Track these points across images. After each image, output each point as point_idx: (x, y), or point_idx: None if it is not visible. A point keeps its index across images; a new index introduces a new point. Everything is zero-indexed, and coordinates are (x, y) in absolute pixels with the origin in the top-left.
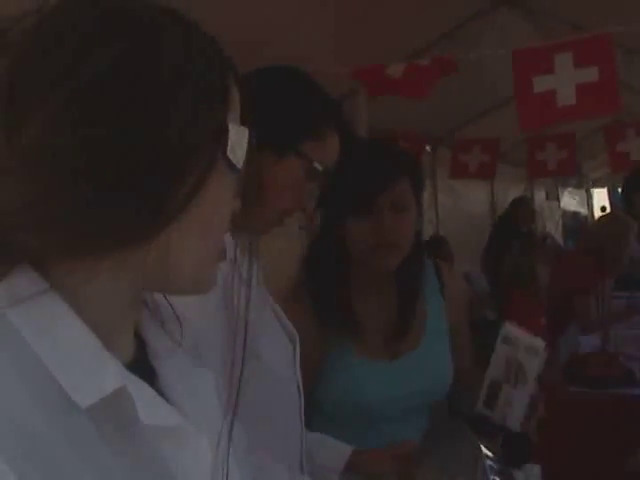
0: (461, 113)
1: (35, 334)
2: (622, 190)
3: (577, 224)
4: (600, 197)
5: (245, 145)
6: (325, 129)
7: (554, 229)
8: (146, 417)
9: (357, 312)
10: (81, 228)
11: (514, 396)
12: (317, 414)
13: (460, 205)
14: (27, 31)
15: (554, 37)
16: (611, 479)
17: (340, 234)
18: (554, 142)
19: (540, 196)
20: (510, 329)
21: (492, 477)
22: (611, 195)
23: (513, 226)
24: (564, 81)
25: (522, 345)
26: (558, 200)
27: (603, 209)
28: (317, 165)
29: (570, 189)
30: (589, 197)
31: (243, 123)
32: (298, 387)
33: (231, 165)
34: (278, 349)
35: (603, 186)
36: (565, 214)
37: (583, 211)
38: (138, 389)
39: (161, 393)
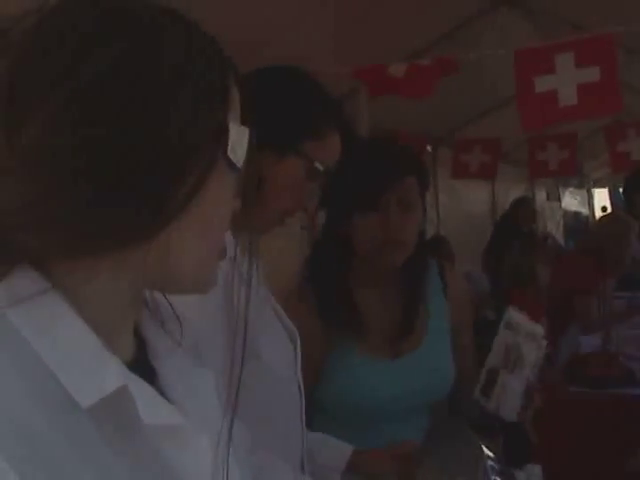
0: (462, 113)
1: (35, 334)
2: (623, 190)
3: (578, 224)
4: (601, 197)
5: (245, 144)
6: (326, 129)
7: (555, 229)
8: (147, 416)
9: (360, 310)
10: (81, 228)
11: (510, 382)
12: (318, 413)
13: (461, 205)
14: (27, 31)
15: (554, 37)
16: (611, 479)
17: (345, 232)
18: (555, 142)
19: (541, 196)
20: (513, 314)
21: (493, 477)
22: (612, 195)
23: (514, 226)
24: (565, 81)
25: (523, 330)
26: (559, 200)
27: (604, 209)
28: (318, 165)
29: (571, 189)
30: (590, 197)
31: (243, 122)
32: (299, 387)
33: (231, 165)
34: (279, 349)
35: (604, 186)
36: (566, 214)
37: (584, 211)
38: (139, 388)
39: (161, 392)
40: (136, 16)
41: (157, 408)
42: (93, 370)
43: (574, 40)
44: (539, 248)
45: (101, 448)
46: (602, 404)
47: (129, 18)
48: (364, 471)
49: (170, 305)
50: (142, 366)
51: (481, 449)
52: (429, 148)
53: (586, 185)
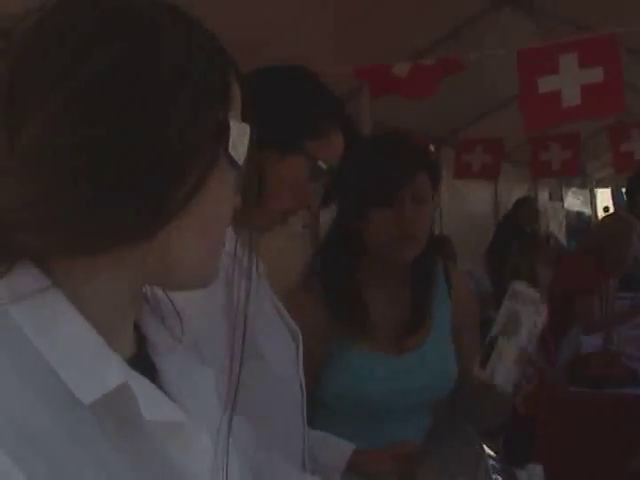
0: (465, 113)
1: (37, 331)
2: (626, 190)
3: (581, 224)
4: (603, 197)
5: (247, 142)
6: (328, 128)
7: (557, 229)
8: (148, 413)
9: (367, 305)
10: (81, 228)
11: (505, 348)
12: (320, 409)
13: (463, 205)
14: (28, 30)
15: (558, 37)
16: (611, 477)
17: (357, 227)
18: (558, 142)
19: (544, 196)
20: (517, 285)
21: (494, 476)
22: (615, 195)
23: (516, 226)
24: (569, 82)
25: (523, 297)
26: (562, 200)
27: (606, 209)
28: (321, 164)
29: (574, 189)
30: (593, 197)
31: (244, 119)
32: (301, 386)
33: (232, 162)
34: (281, 348)
35: (607, 186)
36: (569, 214)
37: (587, 211)
38: (140, 385)
39: (161, 389)
40: (136, 16)
41: (158, 405)
42: (94, 367)
43: (578, 40)
44: (540, 248)
45: (103, 444)
46: (603, 404)
47: (129, 18)
48: (364, 471)
49: (171, 301)
50: (142, 362)
51: (482, 448)
52: (432, 148)
53: (589, 185)
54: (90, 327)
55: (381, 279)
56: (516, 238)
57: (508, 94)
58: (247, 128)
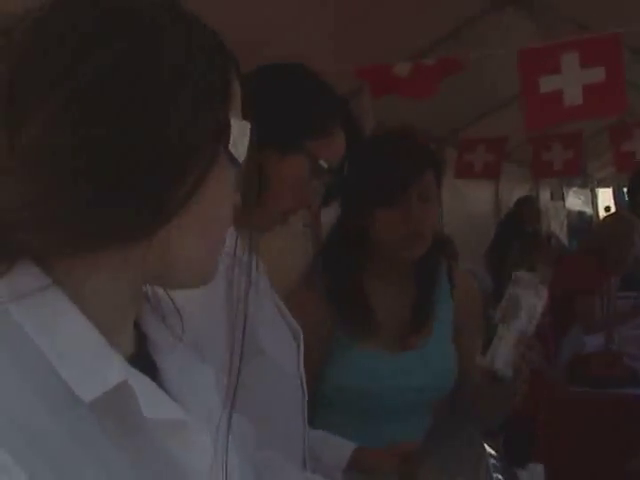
0: (466, 113)
1: (37, 329)
2: (627, 190)
3: (582, 224)
4: (605, 197)
5: (247, 139)
6: (330, 127)
7: (559, 229)
8: (148, 411)
9: (370, 303)
10: (81, 228)
11: (505, 333)
12: (321, 406)
13: (465, 204)
14: (27, 30)
15: (559, 37)
16: (612, 477)
17: (363, 225)
18: (560, 142)
19: (545, 196)
20: (520, 272)
21: (495, 476)
22: (616, 195)
23: (518, 226)
24: (570, 81)
25: (524, 283)
26: (563, 200)
27: (607, 209)
28: (322, 163)
29: (575, 189)
30: (594, 197)
31: (245, 117)
32: (301, 384)
33: (233, 160)
34: (282, 346)
35: (608, 186)
36: (570, 214)
37: (588, 211)
38: (140, 383)
39: (162, 387)
40: (136, 16)
41: (159, 403)
42: (95, 365)
43: (579, 40)
44: (542, 248)
45: (103, 443)
46: (604, 404)
47: (129, 18)
48: (365, 469)
49: (171, 300)
50: (143, 361)
51: (483, 447)
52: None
53: (590, 185)
54: (91, 325)
55: (384, 278)
56: (517, 238)
57: (509, 94)
58: (247, 126)
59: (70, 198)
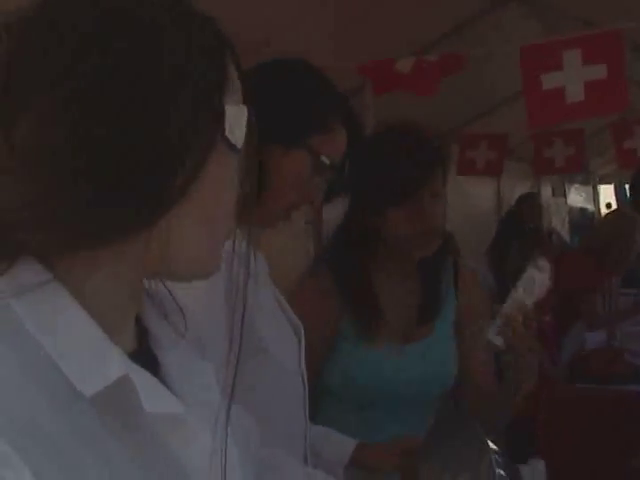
0: (468, 110)
1: (38, 324)
2: (630, 186)
3: (584, 220)
4: (607, 194)
5: (244, 124)
6: (332, 123)
7: (560, 225)
8: (149, 405)
9: (377, 296)
10: (81, 228)
11: (504, 307)
12: (325, 397)
13: (466, 201)
14: (27, 30)
15: (562, 33)
16: (614, 475)
17: (374, 223)
18: (561, 139)
19: (547, 192)
20: (542, 259)
21: (498, 471)
22: (617, 192)
23: (520, 223)
24: (572, 78)
25: (537, 262)
26: (565, 196)
27: (608, 206)
28: (324, 159)
29: (577, 185)
30: (596, 194)
31: (244, 102)
32: (303, 380)
33: (231, 146)
34: (283, 342)
35: (610, 183)
36: (572, 210)
37: (590, 207)
38: (141, 378)
39: (163, 382)
40: (136, 16)
41: (159, 397)
42: (95, 360)
43: (581, 36)
44: (543, 245)
45: (104, 437)
46: (606, 400)
47: (129, 18)
48: (366, 466)
49: (173, 298)
50: (144, 356)
51: (486, 443)
52: None
53: (592, 181)
54: (91, 320)
55: (391, 274)
56: (519, 235)
57: (511, 90)
58: (244, 110)
59: (70, 198)
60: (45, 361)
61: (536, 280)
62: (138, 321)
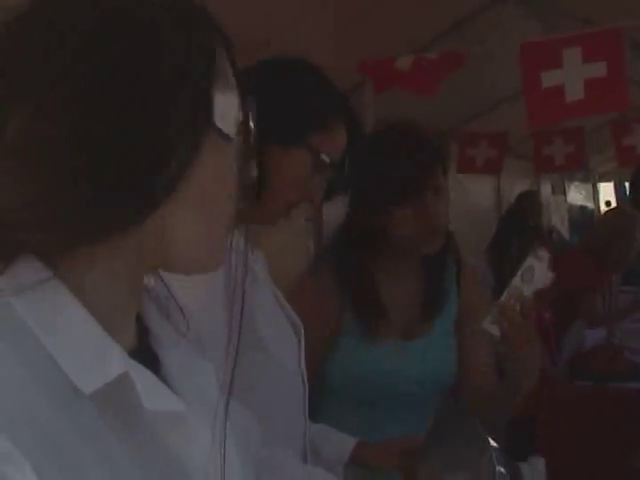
0: (467, 108)
1: (38, 322)
2: (631, 183)
3: (584, 218)
4: (606, 191)
5: (236, 110)
6: (332, 121)
7: (560, 223)
8: (148, 403)
9: (380, 293)
10: (81, 228)
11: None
12: (327, 394)
13: (466, 199)
14: (27, 30)
15: (562, 31)
16: (614, 473)
17: (379, 223)
18: (561, 136)
19: (546, 190)
20: (542, 249)
21: (498, 468)
22: (617, 189)
23: (520, 221)
24: (572, 76)
25: (536, 252)
26: (564, 194)
27: (608, 204)
28: (324, 157)
29: (577, 183)
30: (595, 191)
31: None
32: (302, 379)
33: (223, 136)
34: (283, 341)
35: (610, 180)
36: (571, 208)
37: (590, 205)
38: (141, 375)
39: (163, 381)
40: (136, 16)
41: (159, 395)
42: (95, 357)
43: (581, 34)
44: (546, 244)
45: (104, 434)
46: (606, 398)
47: (129, 18)
48: (366, 464)
49: (173, 298)
50: (145, 355)
51: (487, 440)
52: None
53: (592, 179)
54: (91, 318)
55: (393, 272)
56: (519, 233)
57: (511, 88)
58: (235, 96)
59: (70, 198)
60: (45, 359)
61: (535, 269)
62: (139, 320)
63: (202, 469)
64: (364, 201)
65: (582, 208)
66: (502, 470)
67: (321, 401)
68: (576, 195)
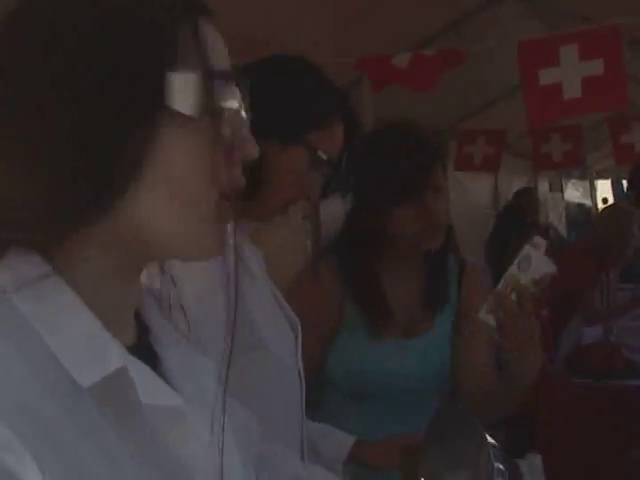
0: (465, 105)
1: (38, 316)
2: (628, 181)
3: (581, 216)
4: (603, 189)
5: (197, 88)
6: (330, 119)
7: (557, 220)
8: (146, 397)
9: (383, 290)
10: (80, 227)
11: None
12: (328, 388)
13: (464, 196)
14: (26, 30)
15: (560, 29)
16: (613, 470)
17: (380, 221)
18: (559, 134)
19: (544, 187)
20: (538, 237)
21: (497, 465)
22: (614, 187)
23: (517, 218)
24: (570, 74)
25: (533, 241)
26: (562, 191)
27: (605, 201)
28: (321, 154)
29: (574, 180)
30: (593, 189)
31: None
32: (300, 376)
33: (183, 114)
34: (281, 338)
35: (607, 178)
36: (569, 205)
37: (587, 202)
38: (139, 370)
39: (163, 378)
40: (136, 16)
41: (157, 390)
42: (94, 351)
43: (578, 32)
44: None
45: (103, 427)
46: (604, 396)
47: (129, 18)
48: (365, 463)
49: (174, 297)
50: (144, 351)
51: (485, 438)
52: None
53: (589, 176)
54: (90, 313)
55: (394, 270)
56: (516, 229)
57: (509, 86)
58: (192, 74)
59: (70, 198)
60: (45, 353)
61: (532, 258)
62: (139, 319)
63: (202, 467)
64: (364, 201)
65: (579, 205)
66: (500, 467)
67: (322, 397)
68: (573, 192)
